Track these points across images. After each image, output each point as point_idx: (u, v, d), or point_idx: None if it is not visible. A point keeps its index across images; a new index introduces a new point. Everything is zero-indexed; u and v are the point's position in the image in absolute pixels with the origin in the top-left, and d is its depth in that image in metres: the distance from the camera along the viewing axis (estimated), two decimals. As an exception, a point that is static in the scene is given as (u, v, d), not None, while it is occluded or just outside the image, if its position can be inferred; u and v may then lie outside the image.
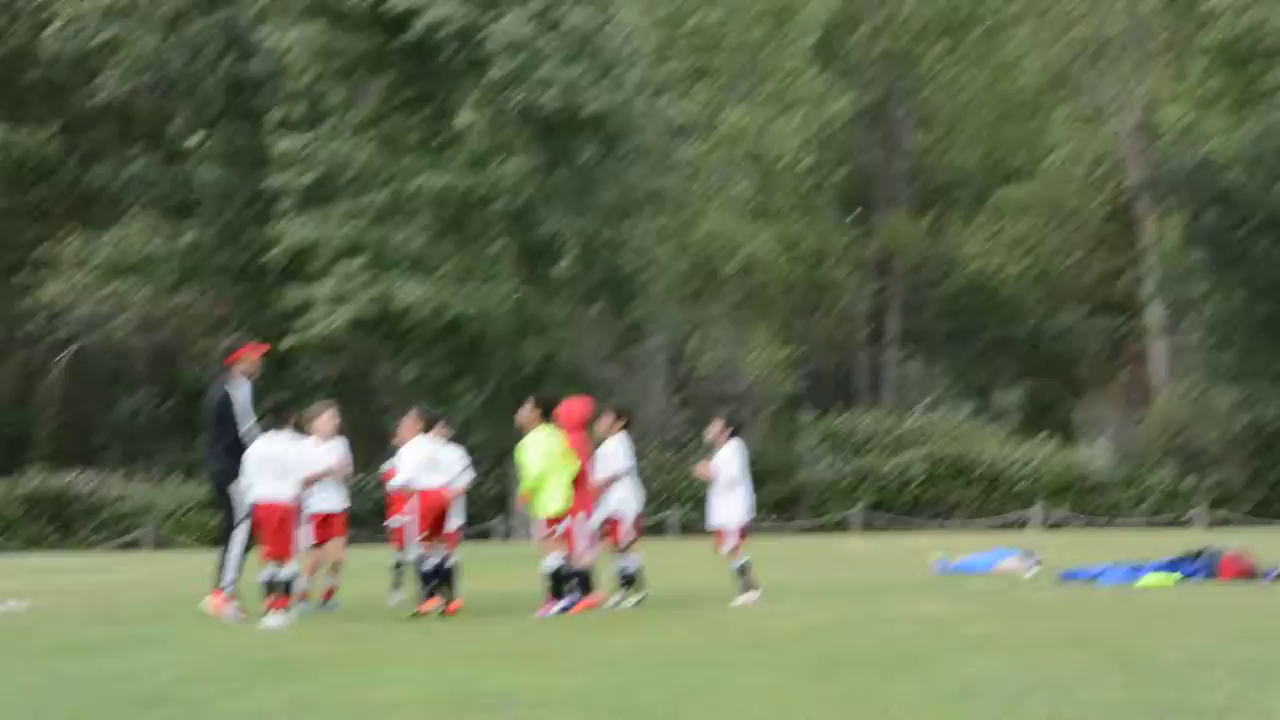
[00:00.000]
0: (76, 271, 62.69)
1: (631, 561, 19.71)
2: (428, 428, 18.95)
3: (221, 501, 19.02)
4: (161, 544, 54.03)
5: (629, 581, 19.58)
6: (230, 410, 18.65)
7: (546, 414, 18.52)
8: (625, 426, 19.95)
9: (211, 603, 18.42)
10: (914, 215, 70.03)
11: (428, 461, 18.49)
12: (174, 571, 30.63)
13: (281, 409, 18.24)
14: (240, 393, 18.79)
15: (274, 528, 17.49)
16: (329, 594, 20.00)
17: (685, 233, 59.02)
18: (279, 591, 17.47)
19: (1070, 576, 22.45)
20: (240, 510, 18.31)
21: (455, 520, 19.60)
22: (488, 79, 50.44)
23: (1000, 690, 10.91)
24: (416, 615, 18.01)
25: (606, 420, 19.89)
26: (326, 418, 19.84)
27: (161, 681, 12.27)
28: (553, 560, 18.21)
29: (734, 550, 19.40)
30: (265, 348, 19.85)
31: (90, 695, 11.45)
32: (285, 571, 17.52)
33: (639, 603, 19.24)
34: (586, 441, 18.94)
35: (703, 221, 59.67)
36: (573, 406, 19.14)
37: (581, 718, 9.97)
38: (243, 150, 59.98)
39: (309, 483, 18.72)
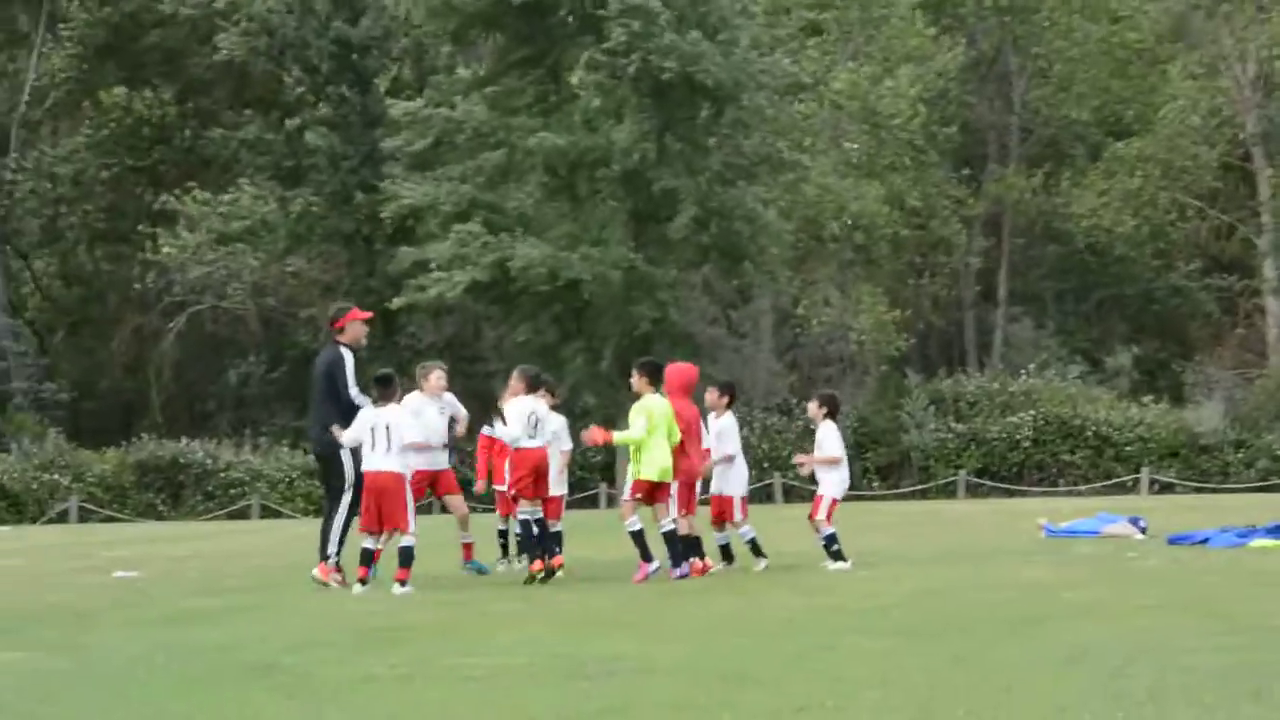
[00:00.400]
0: (189, 237, 63.31)
1: (746, 532, 19.70)
2: (531, 388, 18.93)
3: (325, 470, 19.12)
4: (269, 512, 54.53)
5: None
6: (336, 378, 18.59)
7: (655, 379, 18.49)
8: (731, 403, 19.89)
9: (319, 573, 18.49)
10: (1025, 172, 69.39)
11: (530, 421, 18.48)
12: (282, 540, 30.89)
13: (386, 379, 18.24)
14: (346, 360, 18.75)
15: (387, 499, 17.54)
16: (468, 551, 20.18)
17: (794, 193, 58.84)
18: (403, 562, 17.54)
19: (1179, 540, 22.25)
20: (345, 479, 18.35)
21: (559, 488, 19.64)
22: (605, 45, 50.33)
23: (1107, 656, 10.83)
24: (531, 578, 18.05)
25: (714, 394, 19.90)
26: (435, 376, 19.87)
27: (269, 650, 12.36)
28: (633, 522, 18.18)
29: (824, 519, 19.40)
30: (369, 315, 19.83)
31: (199, 664, 11.56)
32: (406, 541, 17.58)
33: (764, 569, 19.26)
34: (690, 407, 18.90)
35: (812, 182, 59.46)
36: (678, 370, 19.10)
37: (686, 685, 9.97)
38: (352, 114, 60.26)
39: (452, 440, 19.00)
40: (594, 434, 18.87)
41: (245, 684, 10.59)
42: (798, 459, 20.62)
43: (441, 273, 51.15)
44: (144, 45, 71.41)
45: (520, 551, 19.33)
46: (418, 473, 19.34)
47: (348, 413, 18.35)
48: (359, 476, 18.10)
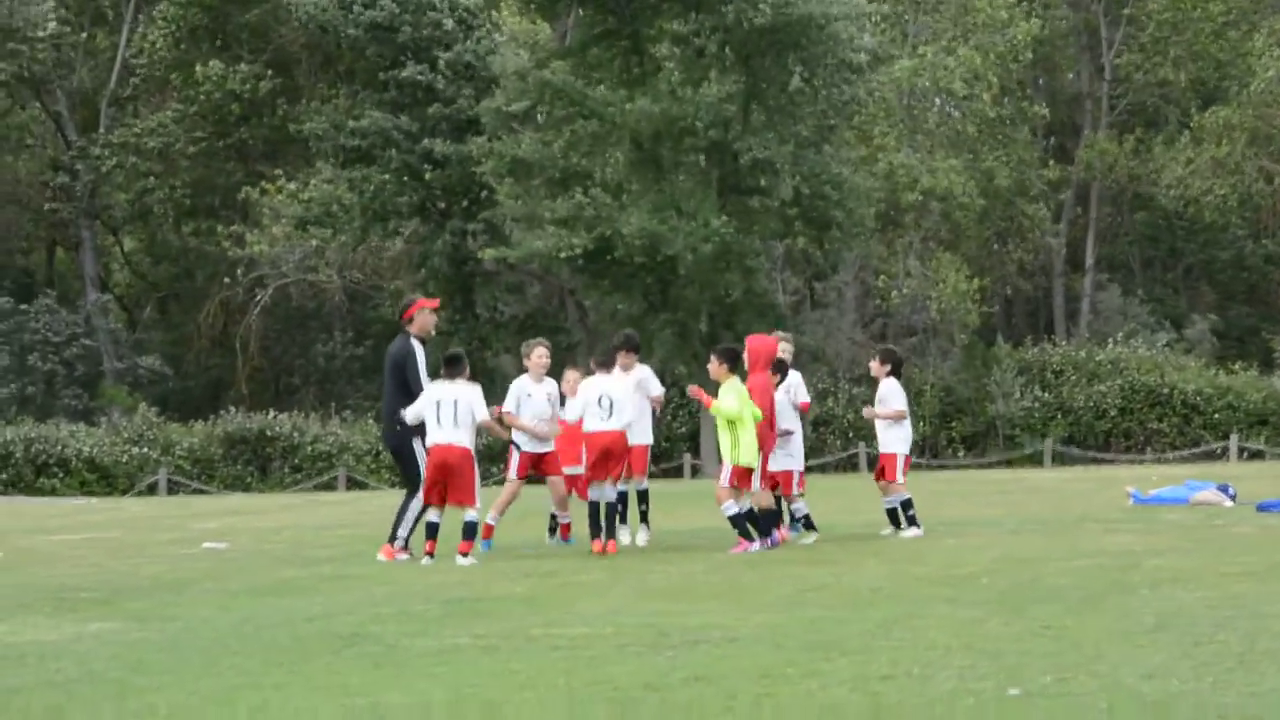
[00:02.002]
0: (273, 216, 63.72)
1: (798, 508, 19.65)
2: (603, 366, 18.91)
3: (399, 464, 19.21)
4: (355, 485, 54.84)
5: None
6: (406, 371, 18.54)
7: (734, 367, 18.35)
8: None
9: (384, 554, 18.55)
10: (1114, 139, 68.85)
11: (601, 403, 18.44)
12: (368, 512, 31.04)
13: (455, 359, 18.28)
14: (417, 352, 18.68)
15: (448, 474, 17.59)
16: (565, 530, 20.22)
17: (877, 163, 58.64)
18: (466, 535, 17.67)
19: (1268, 508, 22.08)
20: (421, 472, 18.32)
21: (645, 437, 19.65)
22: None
23: (1195, 622, 10.76)
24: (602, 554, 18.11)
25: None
26: (537, 354, 19.82)
27: (355, 621, 12.43)
28: (730, 506, 18.09)
29: (892, 483, 19.37)
30: (435, 303, 19.76)
31: (285, 635, 11.64)
32: (470, 515, 17.69)
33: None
34: (769, 380, 18.79)
35: (895, 152, 59.24)
36: (760, 343, 19.03)
37: (771, 654, 9.97)
38: (419, 90, 60.16)
39: (512, 425, 19.06)
40: (697, 390, 18.85)
41: (333, 654, 10.66)
42: (865, 411, 20.58)
43: (555, 228, 51.01)
44: (237, 23, 71.93)
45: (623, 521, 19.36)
46: (526, 454, 19.45)
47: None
48: None
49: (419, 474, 18.27)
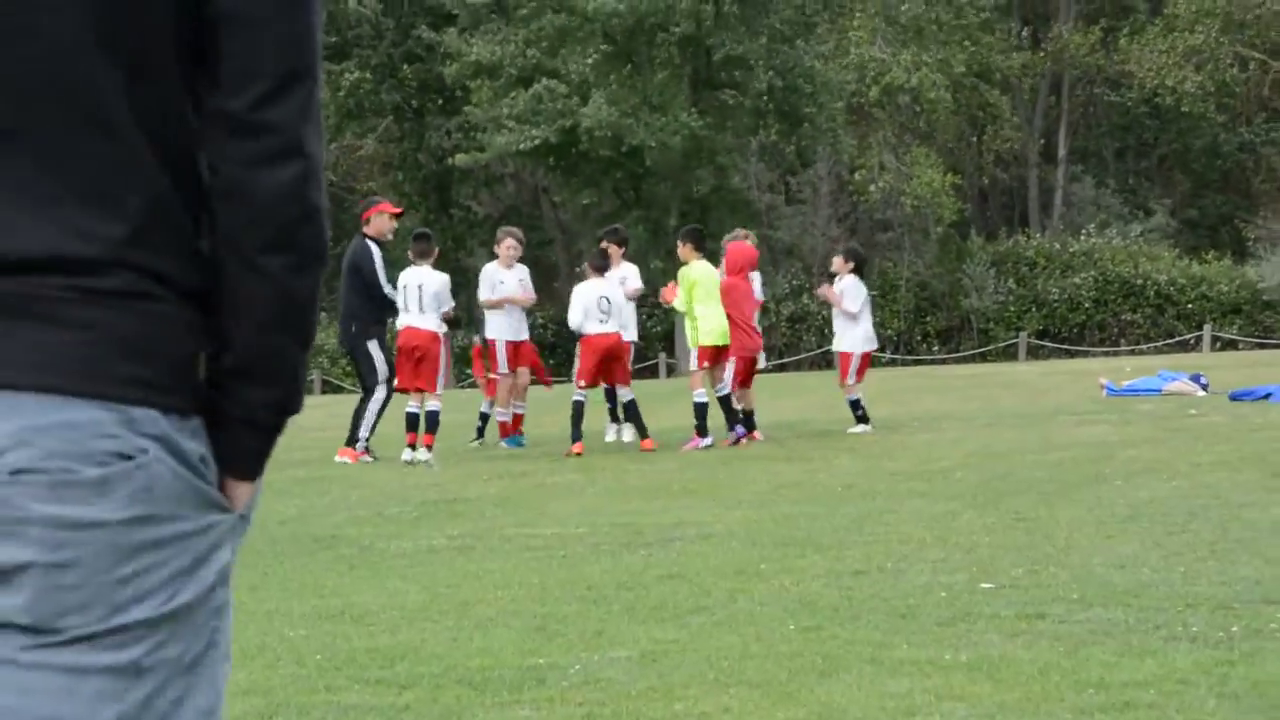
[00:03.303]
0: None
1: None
2: (600, 271, 18.88)
3: (356, 366, 19.23)
4: (330, 387, 54.78)
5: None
6: (363, 271, 18.47)
7: (699, 247, 18.51)
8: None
9: (344, 455, 18.56)
10: (1085, 27, 68.41)
11: (600, 305, 18.43)
12: (342, 415, 30.98)
13: (423, 235, 18.46)
14: (374, 254, 18.62)
15: (415, 357, 17.78)
16: (518, 421, 20.18)
17: (849, 57, 58.36)
18: (429, 427, 17.80)
19: (1241, 396, 22.13)
20: (378, 373, 18.35)
21: (630, 334, 19.71)
22: None
23: (1168, 512, 10.81)
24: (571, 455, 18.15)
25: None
26: (505, 245, 19.81)
27: (331, 523, 12.46)
28: (700, 394, 18.22)
29: (852, 384, 19.40)
30: (399, 211, 19.72)
31: (259, 538, 11.64)
32: (432, 405, 17.85)
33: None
34: (742, 286, 18.81)
35: (867, 45, 58.95)
36: (739, 250, 19.03)
37: (745, 551, 10.00)
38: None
39: (488, 307, 19.08)
40: (667, 292, 19.02)
41: (308, 556, 10.68)
42: (820, 289, 20.72)
43: (515, 124, 50.74)
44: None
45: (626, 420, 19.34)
46: (506, 344, 19.47)
47: (379, 308, 18.40)
48: (392, 372, 18.26)
49: (375, 374, 18.34)
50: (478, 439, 20.53)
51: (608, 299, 18.41)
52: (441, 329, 18.08)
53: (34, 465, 2.18)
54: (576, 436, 18.23)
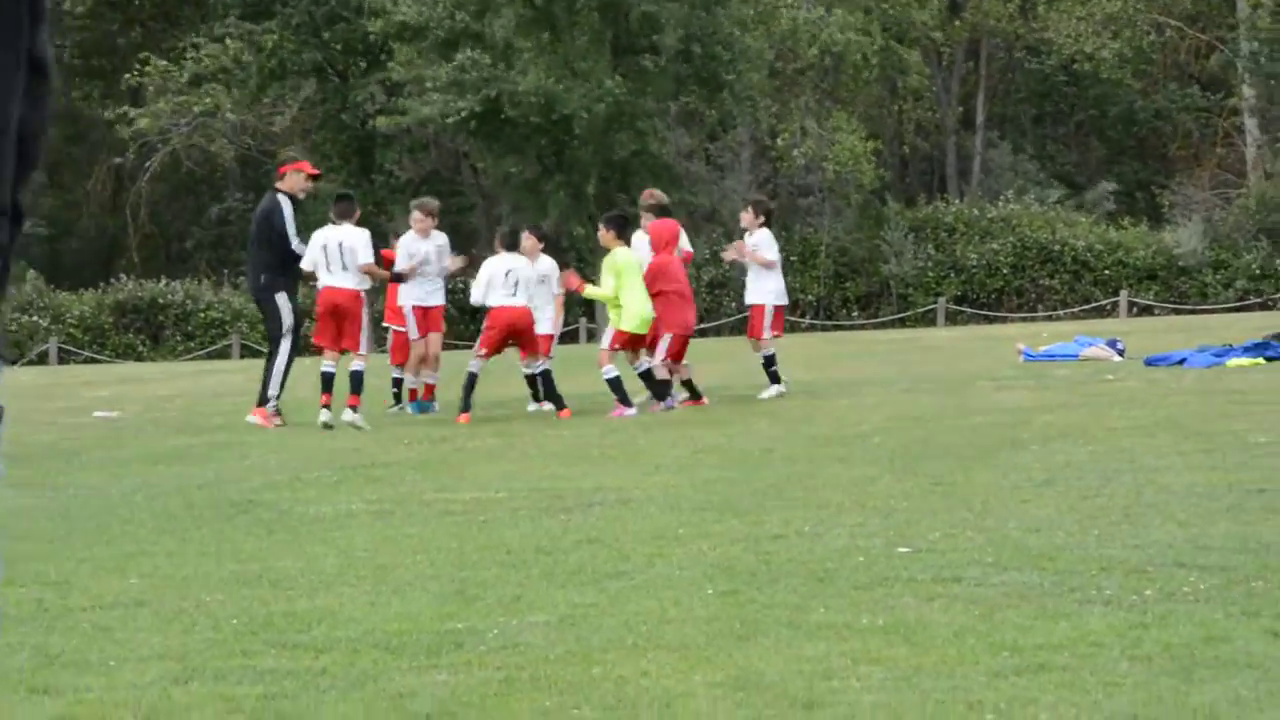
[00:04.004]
0: (165, 76, 62.54)
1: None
2: (510, 246, 18.85)
3: (264, 312, 19.23)
4: (249, 352, 54.53)
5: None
6: (274, 224, 18.47)
7: (621, 234, 18.50)
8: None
9: (256, 417, 18.53)
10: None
11: (508, 279, 18.39)
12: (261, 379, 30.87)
13: (345, 196, 18.47)
14: (285, 208, 18.62)
15: (338, 317, 17.72)
16: (430, 391, 20.12)
17: (769, 21, 58.30)
18: (354, 388, 17.74)
19: (1156, 361, 22.32)
20: (282, 324, 18.37)
21: (550, 328, 19.75)
22: None
23: (1083, 476, 10.89)
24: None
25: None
26: (414, 218, 19.79)
27: (248, 488, 12.41)
28: (610, 369, 18.24)
29: (763, 339, 19.41)
30: (316, 172, 19.77)
31: (177, 502, 11.60)
32: (356, 365, 17.82)
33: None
34: (677, 261, 18.87)
35: (785, 9, 58.90)
36: (662, 227, 19.04)
37: (664, 516, 10.02)
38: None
39: (408, 273, 19.04)
40: (570, 279, 19.08)
41: (226, 521, 10.63)
42: (727, 250, 20.81)
43: (440, 94, 50.53)
44: None
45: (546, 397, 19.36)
46: (416, 307, 19.45)
47: (288, 261, 18.40)
48: (298, 321, 18.32)
49: (281, 328, 18.33)
50: (396, 405, 20.51)
51: (515, 272, 18.39)
52: (364, 286, 18.05)
53: None
54: (465, 407, 18.16)
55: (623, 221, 18.90)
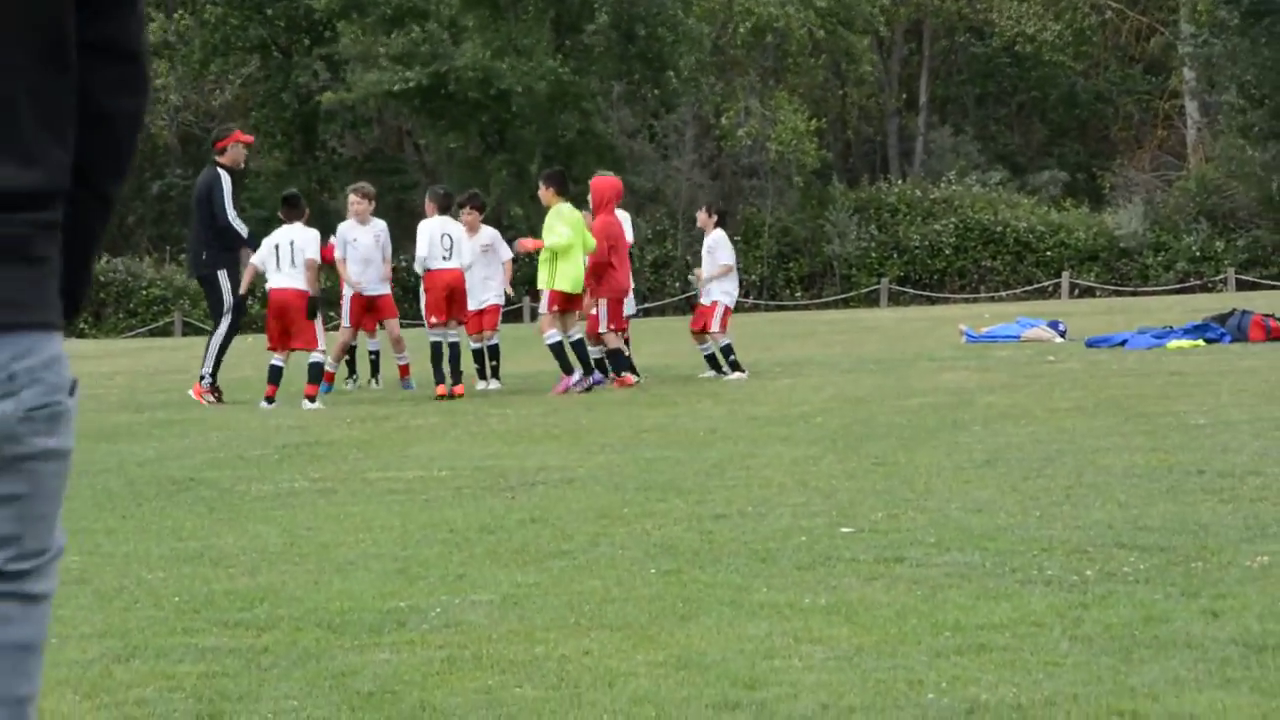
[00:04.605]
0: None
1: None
2: (443, 209, 18.80)
3: (206, 288, 19.16)
4: (191, 329, 54.28)
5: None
6: (214, 200, 18.43)
7: (561, 190, 18.46)
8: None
9: (193, 392, 18.50)
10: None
11: (443, 242, 18.34)
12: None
13: (292, 199, 18.33)
14: (224, 182, 18.55)
15: (285, 318, 17.56)
16: (404, 371, 20.03)
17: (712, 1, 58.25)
18: (312, 378, 17.60)
19: (1097, 343, 22.43)
20: (224, 302, 18.34)
21: (498, 297, 19.72)
22: None
23: (1025, 457, 10.95)
24: (444, 398, 18.03)
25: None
26: (351, 201, 19.69)
27: (190, 466, 12.36)
28: (552, 335, 18.26)
29: (713, 333, 19.47)
30: (250, 139, 19.70)
31: (117, 480, 11.54)
32: (315, 357, 17.63)
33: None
34: (617, 221, 18.85)
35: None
36: (605, 184, 19.04)
37: (607, 495, 10.03)
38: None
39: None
40: (525, 243, 19.10)
41: (167, 498, 10.59)
42: (695, 274, 20.88)
43: (389, 63, 50.33)
44: None
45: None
46: (358, 298, 19.32)
47: (222, 234, 18.36)
48: (239, 299, 18.29)
49: (222, 306, 18.29)
50: (372, 378, 20.60)
51: (449, 235, 18.34)
52: (313, 287, 17.88)
53: (41, 401, 2.38)
54: (440, 379, 18.16)
55: (561, 178, 18.92)
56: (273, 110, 59.13)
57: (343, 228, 19.51)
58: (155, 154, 70.20)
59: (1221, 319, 22.65)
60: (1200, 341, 21.73)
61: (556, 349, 18.24)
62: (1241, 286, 50.13)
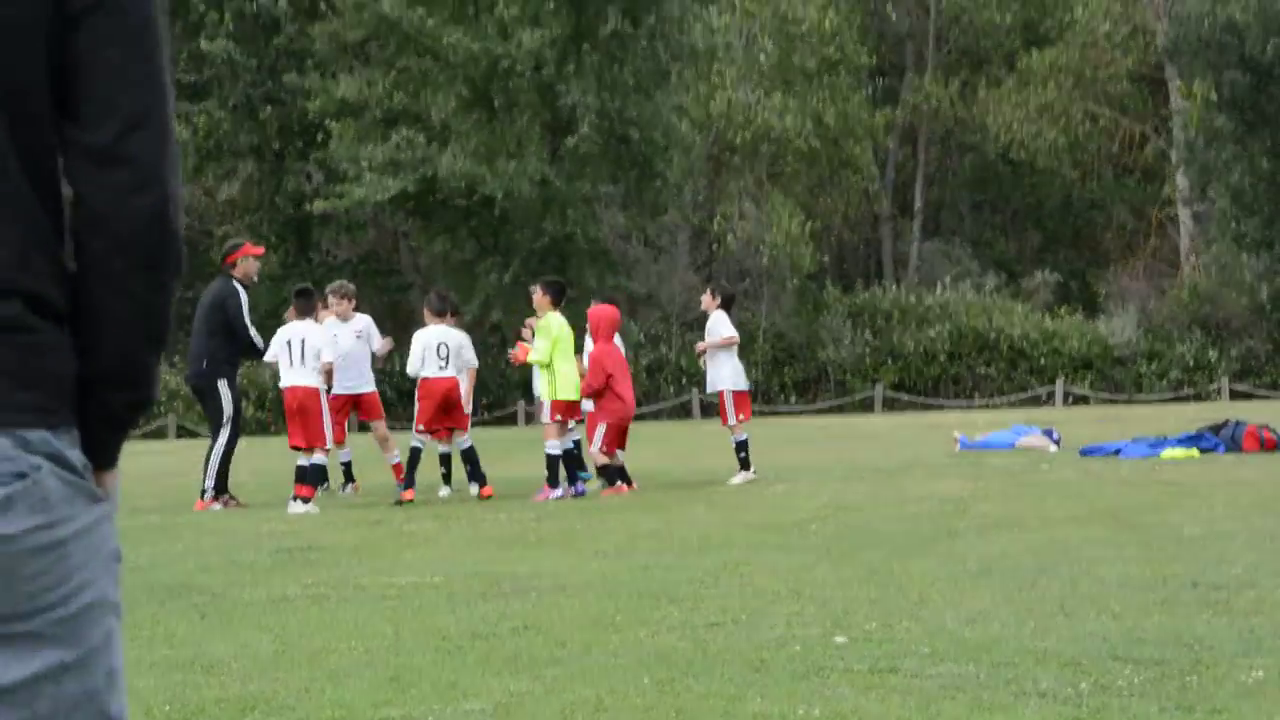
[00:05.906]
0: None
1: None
2: (440, 315, 18.85)
3: (203, 404, 19.14)
4: (185, 433, 54.22)
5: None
6: (229, 313, 18.33)
7: (557, 301, 18.54)
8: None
9: (198, 507, 18.44)
10: (941, 80, 69.07)
11: (439, 350, 18.39)
12: (197, 460, 30.71)
13: (306, 293, 18.36)
14: (241, 297, 18.55)
15: (303, 414, 17.58)
16: (398, 471, 19.96)
17: (707, 106, 58.59)
18: (307, 480, 17.56)
19: (1092, 452, 22.45)
20: (223, 413, 18.31)
21: (467, 405, 19.74)
22: None
23: (1019, 567, 10.92)
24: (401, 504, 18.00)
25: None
26: (330, 301, 19.74)
27: (184, 570, 12.33)
28: (553, 445, 18.28)
29: (734, 424, 19.52)
30: (260, 250, 19.76)
31: (111, 586, 11.48)
32: (316, 458, 17.61)
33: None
34: (617, 349, 18.94)
35: (724, 93, 59.22)
36: (602, 314, 19.12)
37: (601, 602, 9.99)
38: (254, 24, 58.95)
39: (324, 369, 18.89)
40: (518, 353, 19.16)
41: (158, 604, 10.55)
42: (697, 347, 21.00)
43: (374, 174, 50.62)
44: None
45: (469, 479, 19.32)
46: (339, 396, 19.32)
47: (241, 351, 18.40)
48: (238, 411, 18.30)
49: (222, 417, 18.26)
50: (347, 484, 20.55)
51: (446, 344, 18.40)
52: (322, 385, 17.90)
53: None
54: (409, 483, 18.21)
55: (560, 289, 18.98)
56: (267, 213, 59.35)
57: (327, 324, 19.54)
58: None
59: (1216, 429, 22.68)
60: (1195, 451, 21.75)
61: (552, 461, 18.27)
62: (1235, 396, 50.18)
